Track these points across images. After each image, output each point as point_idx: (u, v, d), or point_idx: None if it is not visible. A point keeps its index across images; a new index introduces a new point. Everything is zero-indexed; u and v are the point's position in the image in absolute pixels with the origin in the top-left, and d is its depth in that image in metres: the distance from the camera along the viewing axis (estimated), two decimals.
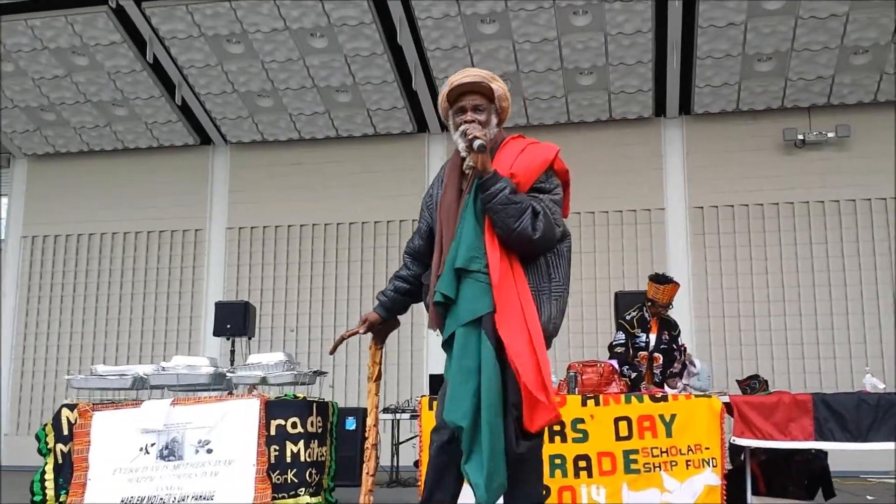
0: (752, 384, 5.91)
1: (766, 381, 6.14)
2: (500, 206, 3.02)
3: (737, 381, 6.66)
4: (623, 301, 8.54)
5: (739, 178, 11.66)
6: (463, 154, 3.21)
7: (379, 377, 3.61)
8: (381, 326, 3.53)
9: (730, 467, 5.40)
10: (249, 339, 10.58)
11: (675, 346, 6.53)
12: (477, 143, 3.08)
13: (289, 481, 5.82)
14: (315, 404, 6.16)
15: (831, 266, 11.32)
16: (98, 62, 11.41)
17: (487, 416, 2.96)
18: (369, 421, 3.59)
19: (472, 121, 3.21)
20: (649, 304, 6.61)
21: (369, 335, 3.59)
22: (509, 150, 3.23)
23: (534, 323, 3.02)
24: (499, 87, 3.30)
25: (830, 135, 11.38)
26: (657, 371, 6.44)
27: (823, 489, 5.57)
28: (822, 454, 5.59)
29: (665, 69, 11.11)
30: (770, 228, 11.53)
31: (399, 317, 3.62)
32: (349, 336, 3.58)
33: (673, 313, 11.26)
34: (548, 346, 3.12)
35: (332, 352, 3.71)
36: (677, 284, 6.69)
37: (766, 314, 11.29)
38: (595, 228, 11.94)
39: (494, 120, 3.28)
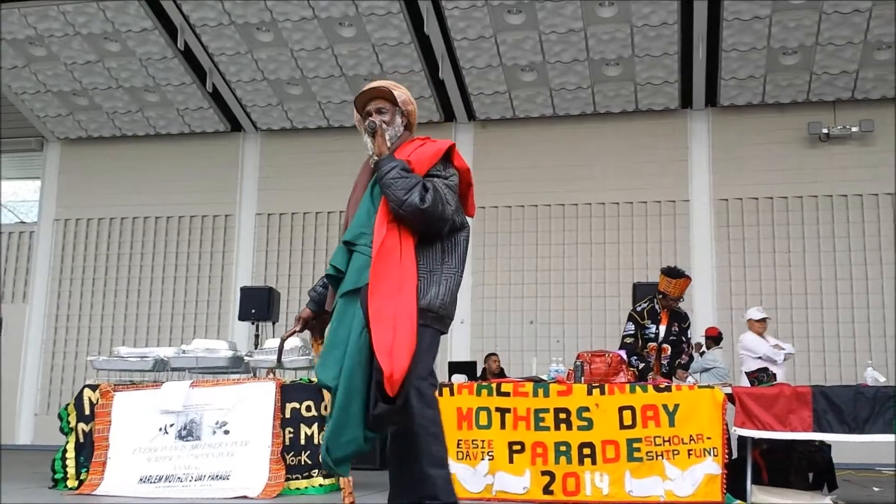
0: (761, 377, 5.94)
1: (774, 375, 6.16)
2: (391, 181, 3.31)
3: (746, 373, 6.70)
4: (640, 292, 8.59)
5: (764, 170, 11.63)
6: (369, 152, 3.52)
7: None
8: (316, 322, 3.74)
9: (735, 457, 5.46)
10: (274, 323, 10.77)
11: (683, 339, 6.59)
12: (368, 121, 3.47)
13: (302, 463, 5.96)
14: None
15: (853, 260, 11.27)
16: (130, 48, 11.64)
17: (344, 377, 3.22)
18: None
19: (382, 121, 3.51)
20: (660, 296, 6.66)
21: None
22: (410, 145, 3.52)
23: (407, 297, 3.22)
24: (401, 93, 3.61)
25: (854, 129, 11.31)
26: (665, 362, 6.51)
27: (827, 481, 5.62)
28: (826, 447, 5.63)
29: (691, 61, 11.10)
30: (793, 221, 11.49)
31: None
32: (287, 337, 3.83)
33: (696, 305, 11.39)
34: (439, 324, 3.33)
35: (279, 361, 3.97)
36: (689, 279, 6.75)
37: (788, 307, 11.26)
38: (619, 219, 11.97)
39: (399, 120, 3.57)
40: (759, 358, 8.30)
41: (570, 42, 10.92)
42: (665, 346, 6.47)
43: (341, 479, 3.72)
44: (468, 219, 3.60)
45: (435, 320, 3.31)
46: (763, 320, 8.71)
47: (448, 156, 3.48)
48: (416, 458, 3.22)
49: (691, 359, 6.56)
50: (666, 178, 11.91)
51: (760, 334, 8.72)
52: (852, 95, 11.28)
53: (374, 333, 3.18)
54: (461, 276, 3.44)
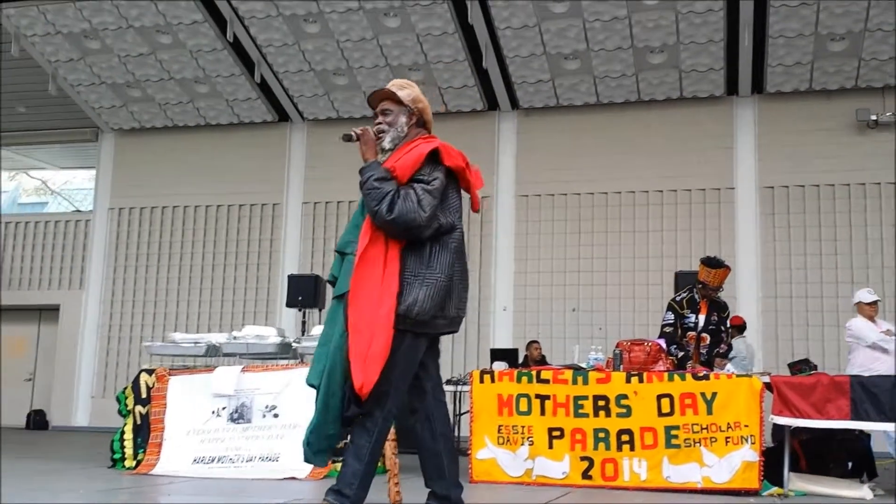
0: (802, 368, 5.98)
1: (816, 366, 6.18)
2: (366, 191, 3.48)
3: (788, 364, 6.72)
4: (682, 281, 8.62)
5: (811, 158, 11.53)
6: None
7: None
8: None
9: (770, 445, 5.52)
10: (320, 310, 10.99)
11: (722, 328, 6.62)
12: (343, 134, 3.69)
13: (343, 447, 6.14)
14: None
15: None
16: (181, 41, 11.91)
17: (326, 378, 3.45)
18: None
19: (380, 122, 3.69)
20: (700, 286, 6.70)
21: None
22: (406, 147, 3.63)
23: (386, 307, 3.38)
24: (409, 92, 3.74)
25: None
26: (704, 351, 6.56)
27: (866, 470, 5.64)
28: (866, 436, 5.66)
29: (737, 48, 11.03)
30: (840, 209, 11.38)
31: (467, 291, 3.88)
32: None
33: (741, 293, 11.37)
34: (421, 328, 3.47)
35: None
36: (728, 269, 6.77)
37: (833, 295, 11.17)
38: (663, 207, 11.97)
39: (403, 120, 3.69)
40: (869, 347, 7.24)
41: (614, 30, 10.93)
42: (704, 335, 6.52)
43: (387, 463, 3.92)
44: (475, 213, 3.81)
45: (415, 325, 3.46)
46: (874, 303, 7.52)
47: (434, 158, 3.55)
48: (349, 447, 3.48)
49: (730, 347, 6.59)
50: (710, 166, 11.87)
51: (871, 318, 7.56)
52: None
53: (350, 342, 3.37)
54: (450, 278, 3.53)
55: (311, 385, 3.57)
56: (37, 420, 13.58)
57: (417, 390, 3.68)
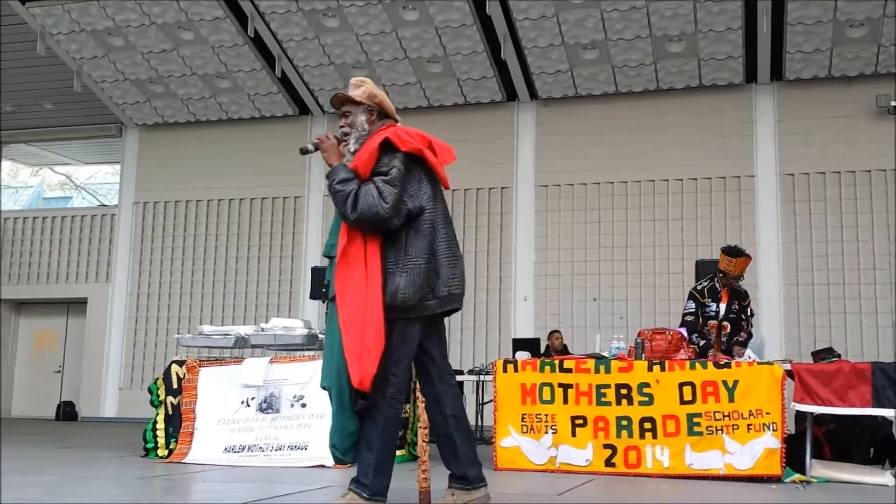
0: (826, 357, 6.02)
1: (840, 355, 6.22)
2: (332, 195, 3.60)
3: (811, 353, 6.76)
4: (703, 270, 8.64)
5: (831, 144, 11.51)
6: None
7: None
8: None
9: (791, 432, 5.57)
10: None
11: (743, 316, 6.66)
12: (300, 148, 3.85)
13: None
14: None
15: None
16: (203, 37, 12.05)
17: (335, 379, 3.58)
18: None
19: (343, 126, 3.81)
20: (721, 275, 6.74)
21: None
22: (366, 144, 3.71)
23: (374, 301, 3.48)
24: (364, 90, 3.82)
25: None
26: (725, 339, 6.61)
27: (889, 456, 5.68)
28: (888, 423, 5.68)
29: (755, 35, 11.02)
30: (862, 196, 11.36)
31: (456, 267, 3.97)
32: None
33: (762, 281, 11.38)
34: (411, 313, 3.57)
35: None
36: (749, 257, 6.80)
37: (856, 282, 11.17)
38: (683, 196, 11.99)
39: (362, 118, 3.77)
40: None
41: (633, 19, 10.95)
42: (725, 323, 6.56)
43: (418, 450, 4.03)
44: (446, 191, 3.82)
45: (403, 311, 3.56)
46: None
47: (389, 148, 3.62)
48: (362, 439, 3.60)
49: (750, 336, 6.64)
50: (730, 154, 11.88)
51: None
52: None
53: (344, 341, 3.49)
54: (429, 260, 3.60)
55: (324, 388, 3.69)
56: (66, 411, 13.83)
57: (423, 376, 3.80)
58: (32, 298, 14.75)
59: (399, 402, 3.63)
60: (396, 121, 3.85)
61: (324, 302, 11.15)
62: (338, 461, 3.76)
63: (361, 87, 3.82)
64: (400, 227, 3.56)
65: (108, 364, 13.91)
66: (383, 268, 3.55)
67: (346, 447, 3.65)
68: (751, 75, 11.77)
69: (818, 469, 5.40)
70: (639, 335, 5.99)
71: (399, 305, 3.53)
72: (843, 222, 11.40)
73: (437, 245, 3.64)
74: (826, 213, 11.48)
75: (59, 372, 14.76)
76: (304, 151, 3.84)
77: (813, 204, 11.56)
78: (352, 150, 3.73)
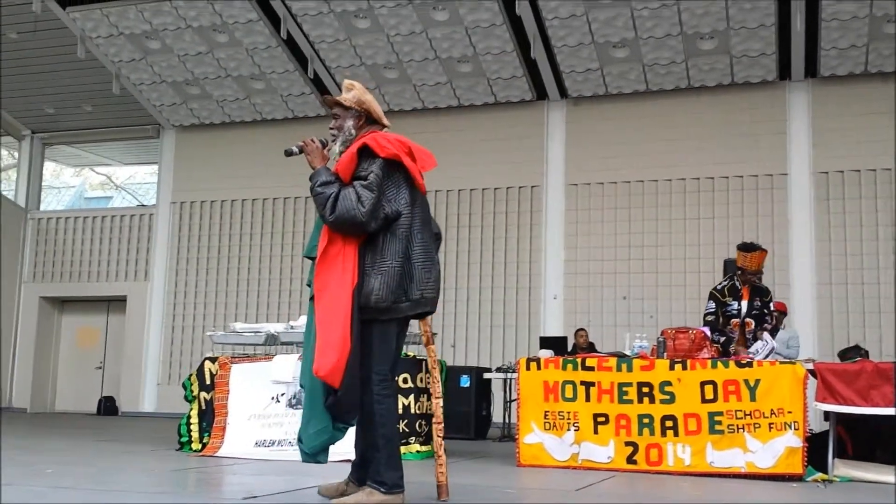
0: (852, 356, 6.02)
1: (867, 353, 6.20)
2: (313, 197, 3.72)
3: (838, 353, 6.75)
4: (730, 269, 8.63)
5: (866, 142, 11.38)
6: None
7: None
8: None
9: (814, 430, 5.57)
10: None
11: (766, 311, 6.63)
12: (284, 150, 3.99)
13: (400, 431, 6.37)
14: (423, 362, 6.70)
15: None
16: (237, 39, 12.25)
17: (308, 377, 3.69)
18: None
19: (331, 128, 3.95)
20: (739, 272, 6.76)
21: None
22: (350, 147, 3.82)
23: (344, 302, 3.58)
24: (352, 95, 3.94)
25: None
26: (749, 336, 6.61)
27: None
28: None
29: (789, 32, 10.95)
30: None
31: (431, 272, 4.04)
32: None
33: (795, 280, 11.30)
34: (386, 314, 3.68)
35: None
36: (765, 251, 6.81)
37: (890, 282, 11.04)
38: (714, 194, 11.94)
39: (350, 122, 3.92)
40: None
41: (663, 17, 10.94)
42: (749, 320, 6.56)
43: (434, 445, 4.13)
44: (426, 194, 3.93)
45: (378, 312, 3.67)
46: None
47: (368, 153, 3.71)
48: (365, 442, 3.74)
49: (775, 330, 6.60)
50: (763, 152, 11.81)
51: None
52: None
53: (318, 338, 3.61)
54: (403, 264, 3.70)
55: (303, 387, 3.82)
56: (107, 406, 14.15)
57: None
58: (75, 296, 15.08)
59: (388, 397, 3.75)
60: (384, 126, 3.98)
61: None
62: (305, 459, 3.81)
63: (352, 92, 3.96)
64: (378, 230, 3.68)
65: (147, 360, 14.20)
66: (360, 269, 3.67)
67: (315, 446, 3.74)
68: (784, 72, 11.69)
69: (840, 468, 5.40)
70: (661, 334, 6.03)
71: (373, 306, 3.65)
72: (878, 221, 11.28)
73: (413, 249, 3.75)
74: (861, 212, 11.36)
75: (100, 368, 15.09)
76: (288, 153, 3.97)
77: (847, 202, 11.44)
78: (337, 151, 3.87)
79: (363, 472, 3.84)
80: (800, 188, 11.67)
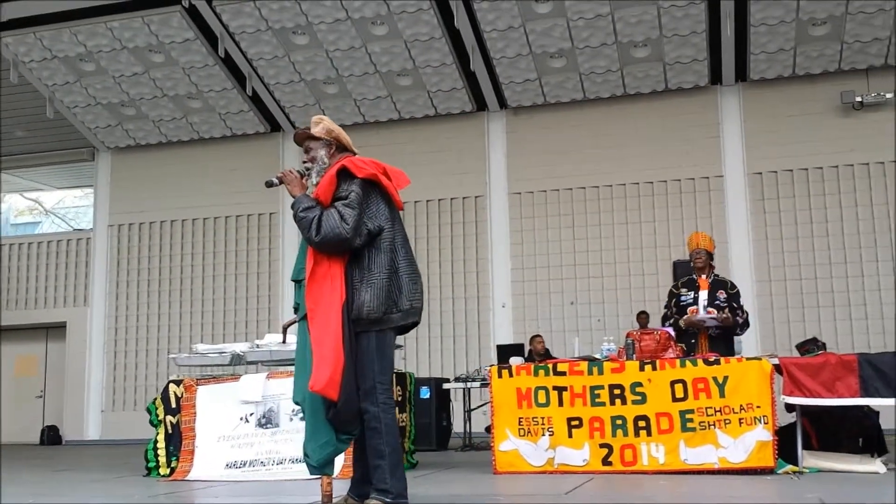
0: (811, 348, 6.22)
1: (825, 345, 6.41)
2: (297, 222, 3.87)
3: (796, 345, 6.94)
4: (682, 270, 8.87)
5: (798, 142, 11.79)
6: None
7: None
8: None
9: (782, 424, 5.74)
10: None
11: (734, 304, 6.66)
12: (266, 181, 4.11)
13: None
14: (394, 375, 6.69)
15: (893, 227, 11.38)
16: (173, 58, 12.08)
17: (308, 393, 3.79)
18: None
19: (305, 161, 4.12)
20: (692, 264, 6.95)
21: None
22: (326, 174, 3.99)
23: (335, 318, 3.75)
24: (321, 127, 4.12)
25: (889, 95, 11.41)
26: (713, 325, 6.61)
27: (877, 445, 5.85)
28: (874, 413, 5.87)
29: (719, 38, 11.30)
30: (830, 191, 11.65)
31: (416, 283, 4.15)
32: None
33: (735, 278, 11.42)
34: (379, 325, 3.83)
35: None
36: (701, 233, 7.07)
37: (827, 276, 11.46)
38: (654, 198, 12.22)
39: (323, 152, 4.09)
40: None
41: (598, 27, 11.18)
42: (711, 309, 6.62)
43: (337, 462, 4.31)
44: (402, 212, 4.13)
45: (372, 323, 3.83)
46: None
47: (346, 175, 3.89)
48: (369, 451, 3.82)
49: (747, 324, 6.70)
50: (699, 155, 12.13)
51: None
52: (885, 62, 11.38)
53: (314, 353, 3.74)
54: (391, 275, 3.87)
55: (297, 403, 3.95)
56: (50, 435, 13.75)
57: None
58: (11, 325, 14.62)
59: (392, 406, 3.87)
60: (354, 153, 4.12)
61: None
62: (312, 472, 3.93)
63: (320, 125, 4.12)
64: (362, 246, 3.84)
65: (90, 387, 13.84)
66: (348, 285, 3.82)
67: (321, 458, 3.86)
68: (716, 77, 12.05)
69: (809, 459, 5.57)
70: (628, 336, 6.15)
71: (365, 318, 3.80)
72: (812, 218, 11.68)
73: (399, 262, 3.93)
74: (795, 210, 11.75)
75: (40, 397, 14.64)
76: (269, 185, 4.10)
77: (782, 201, 11.82)
78: (314, 182, 4.01)
79: (364, 487, 3.87)
80: (735, 189, 12.02)
